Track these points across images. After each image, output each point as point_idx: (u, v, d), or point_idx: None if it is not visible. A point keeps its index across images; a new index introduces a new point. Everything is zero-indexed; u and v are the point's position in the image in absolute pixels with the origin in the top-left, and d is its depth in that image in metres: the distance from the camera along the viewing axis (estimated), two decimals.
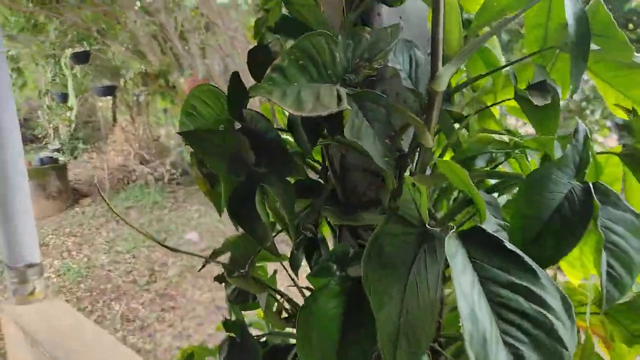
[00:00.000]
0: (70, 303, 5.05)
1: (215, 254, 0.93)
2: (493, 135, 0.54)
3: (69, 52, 5.60)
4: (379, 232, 0.46)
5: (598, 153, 0.63)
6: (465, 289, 0.37)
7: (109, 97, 10.12)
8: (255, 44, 0.81)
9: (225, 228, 7.00)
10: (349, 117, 0.56)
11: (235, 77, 0.68)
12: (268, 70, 0.53)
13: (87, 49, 5.79)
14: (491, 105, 0.66)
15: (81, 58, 5.70)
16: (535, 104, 0.55)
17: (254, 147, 0.61)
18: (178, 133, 0.67)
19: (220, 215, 0.91)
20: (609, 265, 0.47)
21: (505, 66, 0.66)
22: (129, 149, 10.62)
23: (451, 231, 0.41)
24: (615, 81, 0.64)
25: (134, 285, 5.56)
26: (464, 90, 0.76)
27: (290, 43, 0.77)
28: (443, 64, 0.60)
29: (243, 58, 6.02)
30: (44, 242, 6.90)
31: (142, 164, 10.31)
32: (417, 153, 0.65)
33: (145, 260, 6.07)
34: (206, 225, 7.05)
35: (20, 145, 2.98)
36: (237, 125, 0.72)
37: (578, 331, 0.87)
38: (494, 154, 0.57)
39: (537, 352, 0.37)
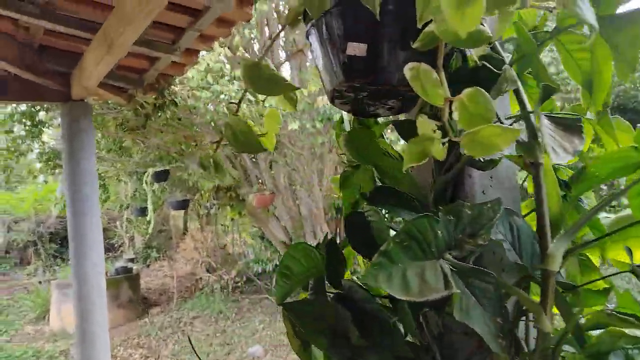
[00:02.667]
0: None
1: None
2: (624, 329, 0.50)
3: (151, 170, 6.13)
4: None
5: None
6: None
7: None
8: (338, 201, 0.84)
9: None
10: (457, 298, 0.54)
11: (332, 245, 0.69)
12: (375, 257, 0.53)
13: (166, 167, 6.31)
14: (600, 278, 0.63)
15: (161, 176, 6.21)
16: None
17: (355, 320, 0.61)
18: (278, 304, 0.67)
19: None
20: None
21: (610, 233, 0.63)
22: (197, 257, 10.99)
23: None
24: None
25: None
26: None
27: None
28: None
29: (305, 173, 6.27)
30: (112, 354, 7.00)
31: (209, 272, 10.56)
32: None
33: None
34: (270, 339, 6.88)
35: (102, 262, 3.17)
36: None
37: None
38: (629, 352, 0.51)
39: None
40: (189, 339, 6.07)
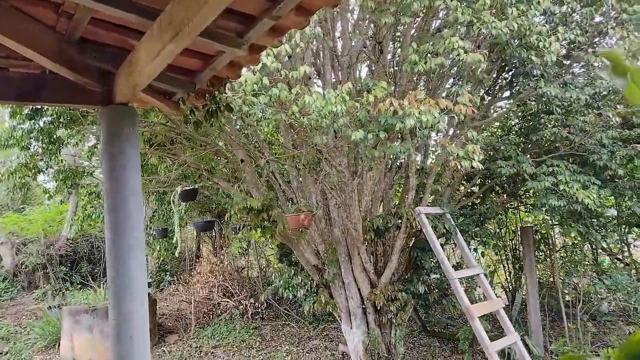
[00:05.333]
0: None
1: None
2: None
3: (178, 189, 5.70)
4: None
5: None
6: None
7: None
8: None
9: None
10: None
11: None
12: None
13: (195, 186, 5.89)
14: None
15: (189, 195, 5.77)
16: None
17: None
18: None
19: None
20: None
21: None
22: (213, 281, 10.46)
23: None
24: None
25: None
26: None
27: None
28: None
29: (344, 192, 5.82)
30: None
31: (227, 297, 10.03)
32: None
33: None
34: None
35: (145, 291, 2.70)
36: None
37: None
38: None
39: None
40: None
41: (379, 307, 6.06)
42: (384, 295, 5.90)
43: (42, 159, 6.48)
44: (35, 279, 11.70)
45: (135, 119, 2.80)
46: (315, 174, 6.12)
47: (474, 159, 3.56)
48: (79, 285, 11.43)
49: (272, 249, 11.77)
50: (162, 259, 11.36)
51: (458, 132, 4.95)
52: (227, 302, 9.73)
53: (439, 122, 3.35)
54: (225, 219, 7.21)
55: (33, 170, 6.01)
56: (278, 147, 8.23)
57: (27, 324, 9.29)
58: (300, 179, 6.08)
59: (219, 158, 6.08)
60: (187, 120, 2.90)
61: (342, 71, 5.45)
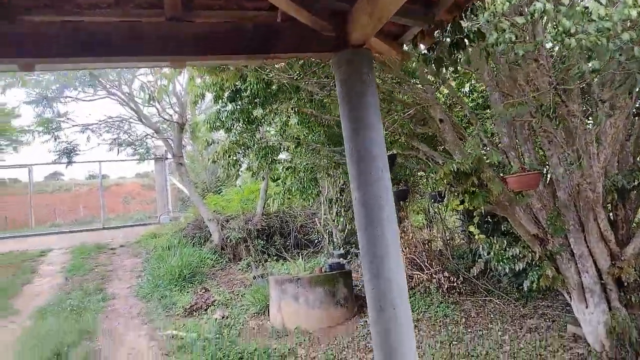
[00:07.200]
0: None
1: None
2: None
3: None
4: None
5: None
6: None
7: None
8: None
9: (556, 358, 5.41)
10: None
11: None
12: None
13: (393, 152, 5.52)
14: None
15: (388, 161, 5.43)
16: None
17: None
18: None
19: None
20: None
21: None
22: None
23: None
24: None
25: None
26: None
27: None
28: None
29: (575, 143, 4.84)
30: (341, 356, 6.52)
31: (417, 270, 9.67)
32: None
33: None
34: (527, 355, 5.57)
35: (401, 258, 2.34)
36: None
37: None
38: None
39: None
40: None
41: (626, 284, 4.97)
42: (635, 269, 4.79)
43: (246, 137, 6.79)
44: (239, 252, 12.91)
45: (372, 63, 2.42)
46: (529, 128, 5.25)
47: None
48: (275, 257, 12.26)
49: (457, 219, 11.08)
50: (346, 232, 11.49)
51: None
52: (420, 275, 9.35)
53: None
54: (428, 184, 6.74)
55: (242, 147, 6.33)
56: (457, 109, 7.40)
57: (238, 292, 10.25)
58: (507, 134, 5.25)
59: (415, 120, 5.59)
60: (426, 59, 2.43)
61: None
